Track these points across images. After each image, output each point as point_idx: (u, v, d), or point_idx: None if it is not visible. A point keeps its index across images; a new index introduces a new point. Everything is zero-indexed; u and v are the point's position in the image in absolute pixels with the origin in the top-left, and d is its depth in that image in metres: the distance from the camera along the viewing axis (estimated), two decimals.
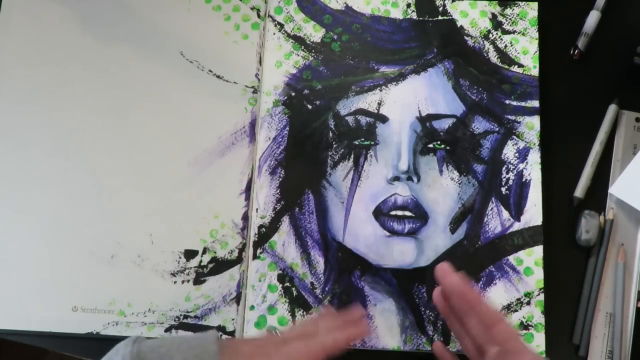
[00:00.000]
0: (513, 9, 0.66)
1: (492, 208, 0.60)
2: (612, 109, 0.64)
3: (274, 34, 0.65)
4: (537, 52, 0.64)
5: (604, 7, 0.66)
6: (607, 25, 0.67)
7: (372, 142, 0.62)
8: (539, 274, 0.58)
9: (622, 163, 0.63)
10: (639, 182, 0.60)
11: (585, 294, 0.59)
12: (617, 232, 0.61)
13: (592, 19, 0.66)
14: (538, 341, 0.57)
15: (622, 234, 0.61)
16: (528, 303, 0.58)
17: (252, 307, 0.58)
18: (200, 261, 0.59)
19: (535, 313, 0.57)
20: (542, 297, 0.58)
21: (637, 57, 0.65)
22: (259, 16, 0.65)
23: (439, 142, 0.62)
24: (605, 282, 0.59)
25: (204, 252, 0.59)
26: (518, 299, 0.58)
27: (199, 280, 0.58)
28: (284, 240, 0.59)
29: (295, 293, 0.58)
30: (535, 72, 0.64)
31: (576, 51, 0.66)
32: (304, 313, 0.57)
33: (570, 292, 0.59)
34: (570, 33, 0.67)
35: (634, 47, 0.65)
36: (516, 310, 0.57)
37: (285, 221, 0.60)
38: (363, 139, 0.62)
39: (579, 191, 0.61)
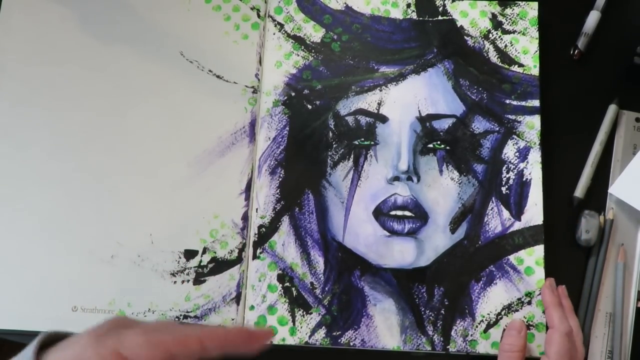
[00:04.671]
0: (513, 9, 0.66)
1: (492, 208, 0.60)
2: (612, 109, 0.64)
3: (274, 34, 0.65)
4: (537, 52, 0.64)
5: (604, 7, 0.66)
6: (607, 25, 0.67)
7: (372, 142, 0.62)
8: (539, 273, 0.58)
9: (622, 163, 0.63)
10: (639, 182, 0.60)
11: (585, 294, 0.59)
12: (617, 232, 0.61)
13: (592, 19, 0.66)
14: (539, 341, 0.57)
15: (622, 234, 0.61)
16: (529, 303, 0.57)
17: (252, 307, 0.58)
18: (200, 261, 0.59)
19: (536, 313, 0.57)
20: None
21: (637, 57, 0.65)
22: (259, 16, 0.65)
23: (439, 142, 0.62)
24: (605, 282, 0.59)
25: (204, 252, 0.59)
26: (519, 299, 0.58)
27: (198, 280, 0.58)
28: (284, 240, 0.59)
29: (295, 293, 0.58)
30: (535, 71, 0.64)
31: (576, 51, 0.66)
32: (304, 313, 0.57)
33: (570, 291, 0.59)
34: (570, 33, 0.67)
35: (634, 47, 0.65)
36: (517, 310, 0.57)
37: (285, 221, 0.60)
38: (363, 139, 0.62)
39: (579, 191, 0.61)
